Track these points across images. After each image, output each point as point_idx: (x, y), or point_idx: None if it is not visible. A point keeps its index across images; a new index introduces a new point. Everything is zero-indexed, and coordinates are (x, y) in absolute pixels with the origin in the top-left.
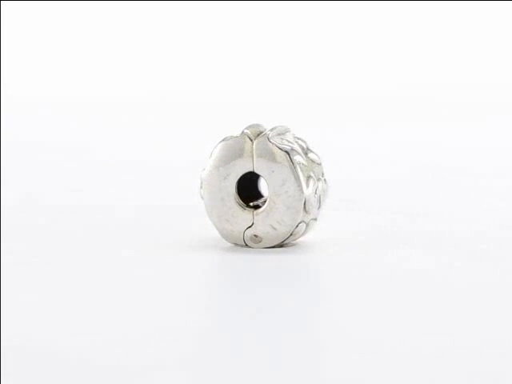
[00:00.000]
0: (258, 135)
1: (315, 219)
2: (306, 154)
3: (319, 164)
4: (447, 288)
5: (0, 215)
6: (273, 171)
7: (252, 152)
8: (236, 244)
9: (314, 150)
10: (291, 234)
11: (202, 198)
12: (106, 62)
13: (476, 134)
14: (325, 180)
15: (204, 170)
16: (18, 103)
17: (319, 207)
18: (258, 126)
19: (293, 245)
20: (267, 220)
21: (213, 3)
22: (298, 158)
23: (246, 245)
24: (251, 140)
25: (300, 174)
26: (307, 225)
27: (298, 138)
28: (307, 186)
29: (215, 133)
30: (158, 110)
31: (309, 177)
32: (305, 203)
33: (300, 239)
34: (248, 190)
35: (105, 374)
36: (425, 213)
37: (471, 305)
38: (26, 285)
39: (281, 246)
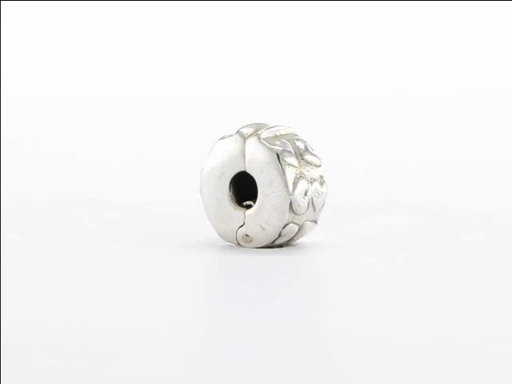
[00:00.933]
0: (252, 135)
1: (314, 221)
2: (301, 155)
3: (318, 166)
4: (447, 290)
5: (0, 212)
6: (261, 171)
7: (244, 151)
8: (230, 243)
9: (314, 152)
10: (280, 235)
11: (201, 196)
12: (104, 62)
13: (478, 134)
14: (322, 182)
15: (203, 169)
16: (18, 103)
17: (314, 209)
18: (256, 125)
19: (293, 246)
20: (257, 220)
21: (222, 3)
22: (288, 159)
23: (239, 244)
24: (244, 139)
25: (287, 174)
26: (301, 226)
27: (298, 139)
28: (295, 187)
29: (219, 132)
30: (163, 108)
31: (299, 178)
32: (291, 204)
33: (300, 240)
34: (249, 189)
35: (101, 375)
36: (427, 214)
37: (470, 307)
38: (26, 287)
39: (280, 246)
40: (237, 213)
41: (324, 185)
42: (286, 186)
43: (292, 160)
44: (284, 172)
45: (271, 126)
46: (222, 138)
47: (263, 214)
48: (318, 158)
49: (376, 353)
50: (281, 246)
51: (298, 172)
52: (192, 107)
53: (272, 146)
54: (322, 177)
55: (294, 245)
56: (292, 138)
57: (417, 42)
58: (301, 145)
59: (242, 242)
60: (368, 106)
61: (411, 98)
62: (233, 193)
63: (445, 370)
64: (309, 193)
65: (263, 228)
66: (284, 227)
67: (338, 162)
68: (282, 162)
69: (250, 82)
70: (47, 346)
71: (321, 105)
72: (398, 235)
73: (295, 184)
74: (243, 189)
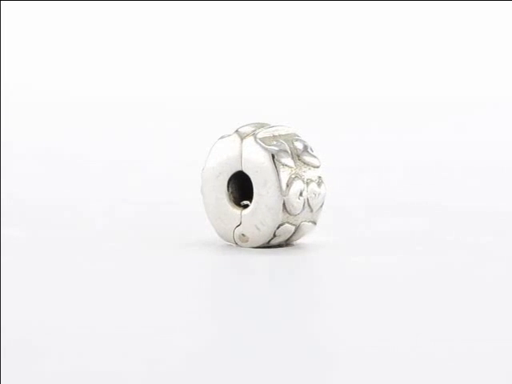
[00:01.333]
0: (249, 134)
1: (312, 222)
2: (298, 155)
3: (316, 167)
4: (447, 291)
5: (0, 207)
6: (256, 171)
7: (241, 151)
8: (229, 242)
9: (314, 153)
10: (275, 235)
11: (202, 195)
12: (104, 62)
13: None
14: (320, 183)
15: (203, 168)
16: (18, 103)
17: (312, 210)
18: (255, 124)
19: (292, 246)
20: (252, 220)
21: (221, 3)
22: (283, 160)
23: (236, 243)
24: (241, 139)
25: (281, 175)
26: (298, 227)
27: (298, 140)
28: (289, 187)
29: (219, 132)
30: (163, 108)
31: (294, 178)
32: (284, 204)
33: (299, 241)
34: (248, 188)
35: (101, 376)
36: (429, 215)
37: (470, 308)
38: (21, 286)
39: (279, 246)
40: (234, 212)
41: (322, 185)
42: (280, 186)
43: (287, 160)
44: (278, 172)
45: (271, 125)
46: (222, 138)
47: (258, 215)
48: (317, 158)
49: (375, 353)
50: (280, 246)
51: (293, 172)
52: (192, 107)
53: (267, 146)
54: (320, 177)
55: (293, 245)
56: (291, 138)
57: (417, 41)
58: (299, 145)
59: (239, 242)
60: (370, 106)
61: (411, 98)
62: (231, 192)
63: (445, 371)
64: (304, 193)
65: (258, 228)
66: (278, 227)
67: (341, 163)
68: (277, 163)
69: (250, 82)
70: (46, 346)
71: (324, 105)
72: (399, 235)
73: (289, 184)
74: (245, 188)
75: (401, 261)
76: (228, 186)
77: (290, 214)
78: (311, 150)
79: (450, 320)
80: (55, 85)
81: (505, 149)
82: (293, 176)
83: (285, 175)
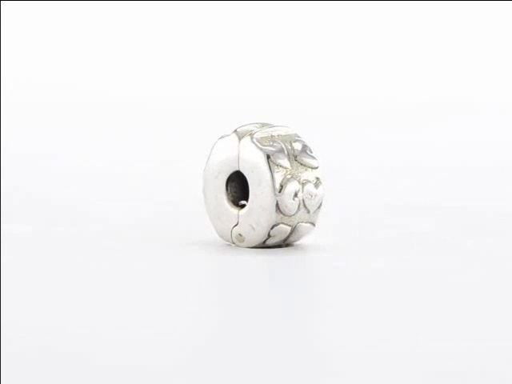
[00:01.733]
0: (246, 134)
1: (311, 223)
2: (295, 156)
3: (314, 168)
4: (448, 291)
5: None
6: (252, 171)
7: (239, 151)
8: (228, 242)
9: (312, 154)
10: (269, 236)
11: (204, 195)
12: (103, 62)
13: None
14: (318, 184)
15: (205, 168)
16: (19, 104)
17: (308, 211)
18: (255, 124)
19: (292, 247)
20: (248, 220)
21: (221, 3)
22: (278, 160)
23: (234, 243)
24: (239, 139)
25: (275, 175)
26: (295, 228)
27: (297, 140)
28: (283, 187)
29: (220, 132)
30: (163, 108)
31: (289, 179)
32: (277, 205)
33: (300, 242)
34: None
35: (101, 376)
36: (431, 216)
37: (469, 307)
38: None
39: (278, 246)
40: (232, 212)
41: (320, 187)
42: (273, 186)
43: (283, 161)
44: (272, 173)
45: (271, 125)
46: (221, 137)
47: (253, 215)
48: (315, 159)
49: (374, 354)
50: (279, 246)
51: (288, 173)
52: (192, 107)
53: (262, 147)
54: (318, 179)
55: (292, 246)
56: (290, 138)
57: (417, 42)
58: (298, 146)
59: (236, 242)
60: (370, 106)
61: (411, 98)
62: (234, 192)
63: (444, 371)
64: (299, 194)
65: (253, 228)
66: (272, 228)
67: (341, 164)
68: (271, 163)
69: (250, 82)
70: (46, 346)
71: (324, 105)
72: (399, 236)
73: (284, 185)
74: (246, 188)
75: (401, 262)
76: (227, 186)
77: (284, 214)
78: (310, 151)
79: (449, 321)
80: (56, 85)
81: (505, 149)
82: (288, 176)
83: (279, 175)
